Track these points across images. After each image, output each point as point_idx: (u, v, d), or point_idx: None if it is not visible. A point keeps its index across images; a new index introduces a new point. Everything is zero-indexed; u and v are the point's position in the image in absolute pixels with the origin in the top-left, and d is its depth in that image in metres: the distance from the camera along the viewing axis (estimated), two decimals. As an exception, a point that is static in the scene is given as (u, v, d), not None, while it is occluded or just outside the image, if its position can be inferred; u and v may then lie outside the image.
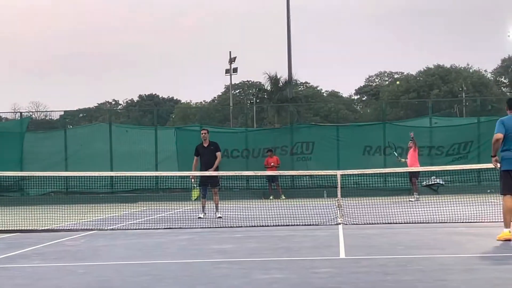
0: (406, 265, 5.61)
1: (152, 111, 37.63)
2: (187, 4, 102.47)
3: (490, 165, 8.03)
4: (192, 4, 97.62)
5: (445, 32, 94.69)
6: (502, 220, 7.20)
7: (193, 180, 11.93)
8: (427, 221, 9.86)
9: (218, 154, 11.52)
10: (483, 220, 9.48)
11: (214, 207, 11.56)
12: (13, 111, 39.81)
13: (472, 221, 9.54)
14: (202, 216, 11.31)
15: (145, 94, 63.34)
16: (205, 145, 11.57)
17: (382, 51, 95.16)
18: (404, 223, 9.78)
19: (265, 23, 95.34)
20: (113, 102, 64.97)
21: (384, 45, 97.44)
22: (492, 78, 52.66)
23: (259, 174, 17.50)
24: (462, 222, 9.51)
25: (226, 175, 15.25)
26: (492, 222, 9.00)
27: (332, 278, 5.03)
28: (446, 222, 9.71)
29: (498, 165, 7.23)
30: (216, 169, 11.41)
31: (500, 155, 7.17)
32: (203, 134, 11.74)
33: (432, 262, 5.84)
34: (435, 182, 16.65)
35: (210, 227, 10.03)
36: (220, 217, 11.15)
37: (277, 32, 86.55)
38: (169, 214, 12.87)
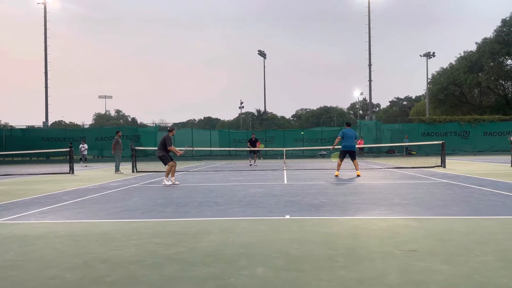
0: (312, 185, 12.94)
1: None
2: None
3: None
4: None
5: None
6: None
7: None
8: (321, 168, 18.83)
9: (258, 143, 25.95)
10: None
11: (254, 161, 26.03)
12: (151, 123, 76.73)
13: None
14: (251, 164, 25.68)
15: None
16: (253, 139, 25.95)
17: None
18: (312, 169, 18.68)
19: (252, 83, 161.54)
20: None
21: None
22: None
23: (256, 149, 32.15)
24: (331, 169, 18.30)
25: (254, 150, 29.50)
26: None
27: (281, 190, 11.29)
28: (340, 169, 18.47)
29: None
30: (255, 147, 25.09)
31: None
32: (253, 134, 25.63)
33: (321, 185, 13.29)
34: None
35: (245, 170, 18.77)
36: (256, 165, 23.19)
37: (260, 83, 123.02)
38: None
